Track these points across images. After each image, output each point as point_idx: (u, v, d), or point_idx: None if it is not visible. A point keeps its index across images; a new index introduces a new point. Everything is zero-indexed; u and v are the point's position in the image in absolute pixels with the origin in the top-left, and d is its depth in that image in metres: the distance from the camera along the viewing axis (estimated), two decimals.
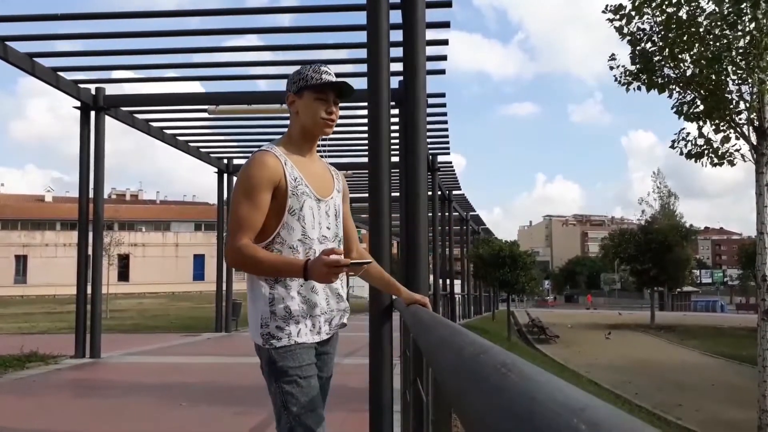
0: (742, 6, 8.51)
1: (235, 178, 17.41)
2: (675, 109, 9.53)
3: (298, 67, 2.25)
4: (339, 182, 2.35)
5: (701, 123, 9.43)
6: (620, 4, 9.64)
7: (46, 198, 56.76)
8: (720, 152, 9.45)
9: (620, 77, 9.78)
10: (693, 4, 8.97)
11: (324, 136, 2.24)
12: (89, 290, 9.22)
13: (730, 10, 8.57)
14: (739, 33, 8.77)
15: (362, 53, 7.98)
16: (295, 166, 2.14)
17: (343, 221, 2.34)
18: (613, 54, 9.89)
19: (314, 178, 2.20)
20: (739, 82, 9.09)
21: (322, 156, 2.40)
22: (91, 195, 9.33)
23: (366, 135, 3.87)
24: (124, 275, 44.19)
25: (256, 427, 4.95)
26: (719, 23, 8.74)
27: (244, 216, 2.06)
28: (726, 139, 9.34)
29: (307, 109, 2.17)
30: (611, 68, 9.87)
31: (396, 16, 4.23)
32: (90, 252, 9.31)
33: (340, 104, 2.26)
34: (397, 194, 5.97)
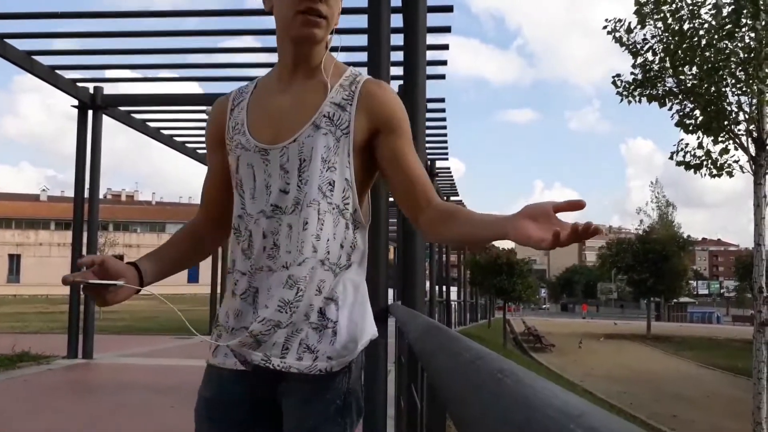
0: (742, 18, 8.56)
1: None
2: (676, 122, 9.60)
3: None
4: (345, 108, 1.36)
5: (701, 135, 9.49)
6: (620, 19, 9.73)
7: (40, 197, 56.76)
8: (719, 163, 9.49)
9: (623, 91, 9.85)
10: (696, 20, 9.04)
11: (307, 42, 1.36)
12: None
13: (726, 20, 8.64)
14: (738, 44, 8.83)
15: (362, 56, 7.99)
16: (250, 105, 1.43)
17: (391, 165, 1.38)
18: (618, 74, 9.97)
19: (274, 114, 1.38)
20: (739, 93, 9.14)
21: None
22: (86, 195, 9.31)
23: None
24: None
25: None
26: (717, 34, 8.80)
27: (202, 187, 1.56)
28: (725, 151, 9.39)
29: (277, 2, 1.37)
30: (615, 85, 9.93)
31: (397, 20, 4.22)
32: (84, 252, 9.28)
33: None
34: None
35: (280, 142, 1.34)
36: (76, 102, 9.24)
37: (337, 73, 1.40)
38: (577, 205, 1.10)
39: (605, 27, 9.86)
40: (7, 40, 7.85)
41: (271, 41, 8.97)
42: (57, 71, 8.76)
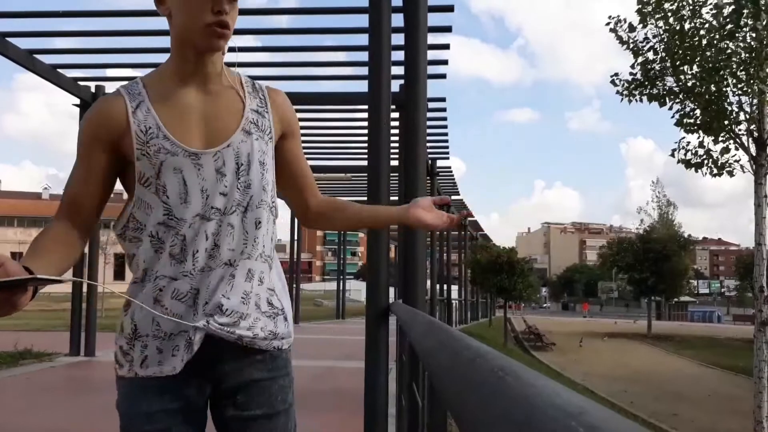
0: (743, 18, 8.56)
1: None
2: (676, 122, 9.60)
3: None
4: (263, 115, 1.50)
5: (701, 134, 9.50)
6: (619, 17, 9.74)
7: (42, 195, 56.75)
8: (719, 163, 9.50)
9: (622, 90, 9.85)
10: (697, 20, 9.04)
11: (215, 52, 1.41)
12: (85, 288, 9.20)
13: (727, 20, 8.64)
14: (739, 44, 8.83)
15: (363, 56, 8.00)
16: (156, 109, 1.40)
17: (290, 166, 1.57)
18: (616, 73, 9.97)
19: (195, 119, 1.41)
20: (739, 93, 9.15)
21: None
22: None
23: (366, 138, 3.87)
24: (120, 274, 44.20)
25: None
26: (718, 34, 8.80)
27: (67, 185, 1.45)
28: (725, 150, 9.39)
29: (181, 9, 1.37)
30: (614, 84, 9.94)
31: (398, 20, 4.23)
32: (86, 250, 9.30)
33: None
34: (396, 198, 5.96)
35: (212, 147, 1.40)
36: (77, 101, 9.25)
37: (236, 79, 1.49)
38: (445, 201, 1.62)
39: (608, 24, 9.86)
40: (9, 39, 7.86)
41: (272, 40, 8.98)
42: (58, 70, 8.77)
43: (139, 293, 1.40)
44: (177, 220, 1.38)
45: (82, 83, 9.25)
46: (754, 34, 8.73)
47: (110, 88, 9.52)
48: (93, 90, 9.34)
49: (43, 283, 1.21)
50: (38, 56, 8.39)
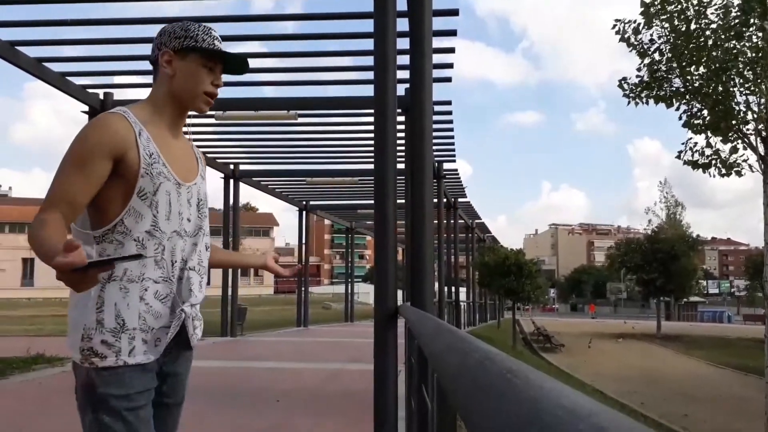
0: (750, 17, 8.53)
1: (241, 184, 16.87)
2: (684, 122, 9.56)
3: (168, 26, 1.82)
4: (203, 166, 1.93)
5: (709, 134, 9.46)
6: (628, 21, 9.71)
7: None
8: (728, 163, 9.45)
9: (630, 93, 9.82)
10: (703, 20, 9.02)
11: (200, 113, 1.85)
12: None
13: (736, 21, 8.61)
14: (746, 44, 8.80)
15: (368, 60, 8.02)
16: (152, 140, 1.70)
17: None
18: (624, 77, 9.94)
19: (175, 157, 1.77)
20: (747, 92, 9.11)
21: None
22: None
23: (372, 141, 3.88)
24: None
25: None
26: (726, 34, 8.78)
27: (64, 185, 1.61)
28: (734, 150, 9.35)
29: (188, 76, 1.75)
30: (622, 88, 9.91)
31: (403, 24, 4.25)
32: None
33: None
34: (403, 201, 5.97)
35: (187, 182, 1.79)
36: (86, 108, 9.32)
37: None
38: (277, 258, 2.24)
39: (614, 27, 9.84)
40: (18, 48, 7.93)
41: (279, 46, 9.04)
42: (67, 78, 8.84)
43: (122, 291, 1.65)
44: (161, 231, 1.70)
45: (90, 90, 9.32)
46: (761, 34, 8.70)
47: (118, 95, 9.59)
48: (101, 97, 9.42)
49: (126, 260, 1.57)
50: (47, 64, 8.46)
